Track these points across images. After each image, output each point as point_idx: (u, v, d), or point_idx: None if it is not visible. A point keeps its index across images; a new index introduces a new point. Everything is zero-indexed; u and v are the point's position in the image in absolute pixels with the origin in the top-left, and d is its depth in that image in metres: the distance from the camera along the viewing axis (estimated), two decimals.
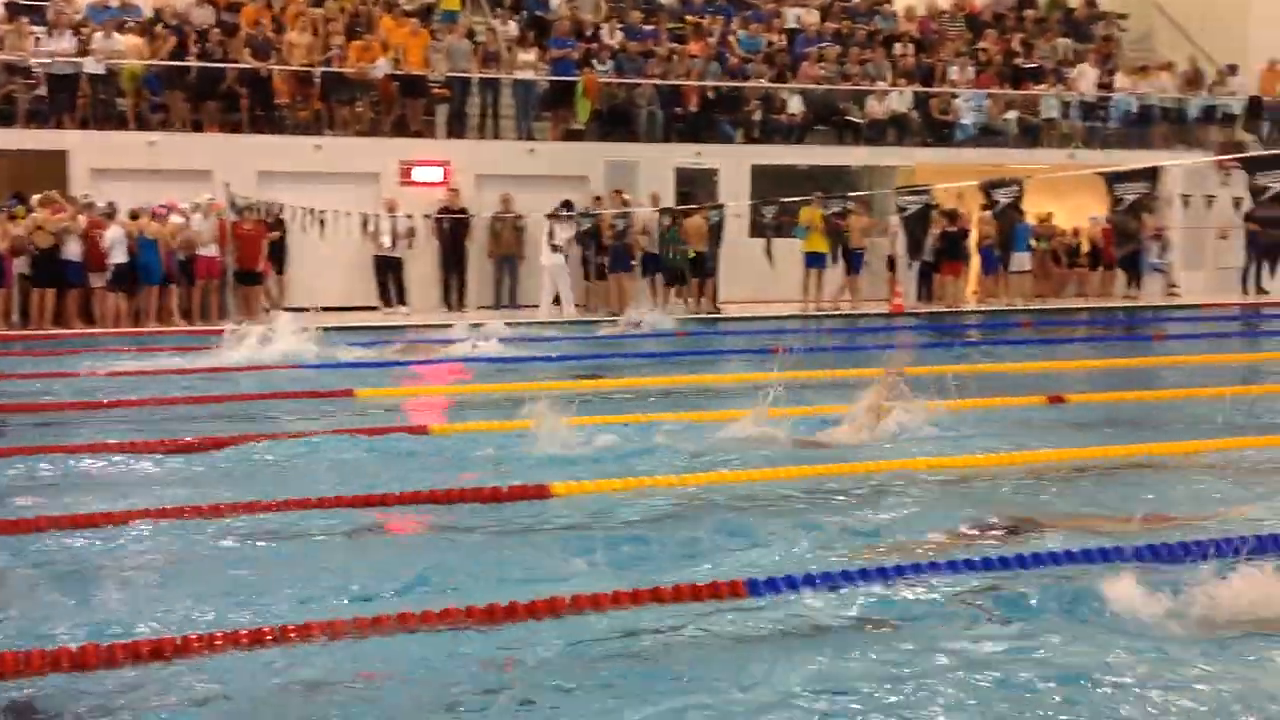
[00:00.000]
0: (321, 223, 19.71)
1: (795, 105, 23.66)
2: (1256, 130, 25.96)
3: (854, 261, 21.90)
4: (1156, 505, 7.48)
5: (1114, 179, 13.63)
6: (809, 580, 5.90)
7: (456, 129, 22.12)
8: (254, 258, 19.43)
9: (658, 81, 22.94)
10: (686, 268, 21.15)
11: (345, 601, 5.84)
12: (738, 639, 5.41)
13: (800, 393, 10.42)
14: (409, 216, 20.47)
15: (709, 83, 23.23)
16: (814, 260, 21.58)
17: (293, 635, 5.29)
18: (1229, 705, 4.69)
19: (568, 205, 20.93)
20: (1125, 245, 17.88)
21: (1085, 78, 25.61)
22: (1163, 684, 4.84)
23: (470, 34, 22.75)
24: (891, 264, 22.19)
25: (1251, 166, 11.82)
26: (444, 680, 5.04)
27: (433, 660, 5.19)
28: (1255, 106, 25.99)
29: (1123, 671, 4.94)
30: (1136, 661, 5.02)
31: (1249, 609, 5.38)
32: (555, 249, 20.54)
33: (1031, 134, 25.00)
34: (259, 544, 6.89)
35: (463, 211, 20.89)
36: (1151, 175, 13.69)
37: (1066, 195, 23.27)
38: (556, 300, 20.64)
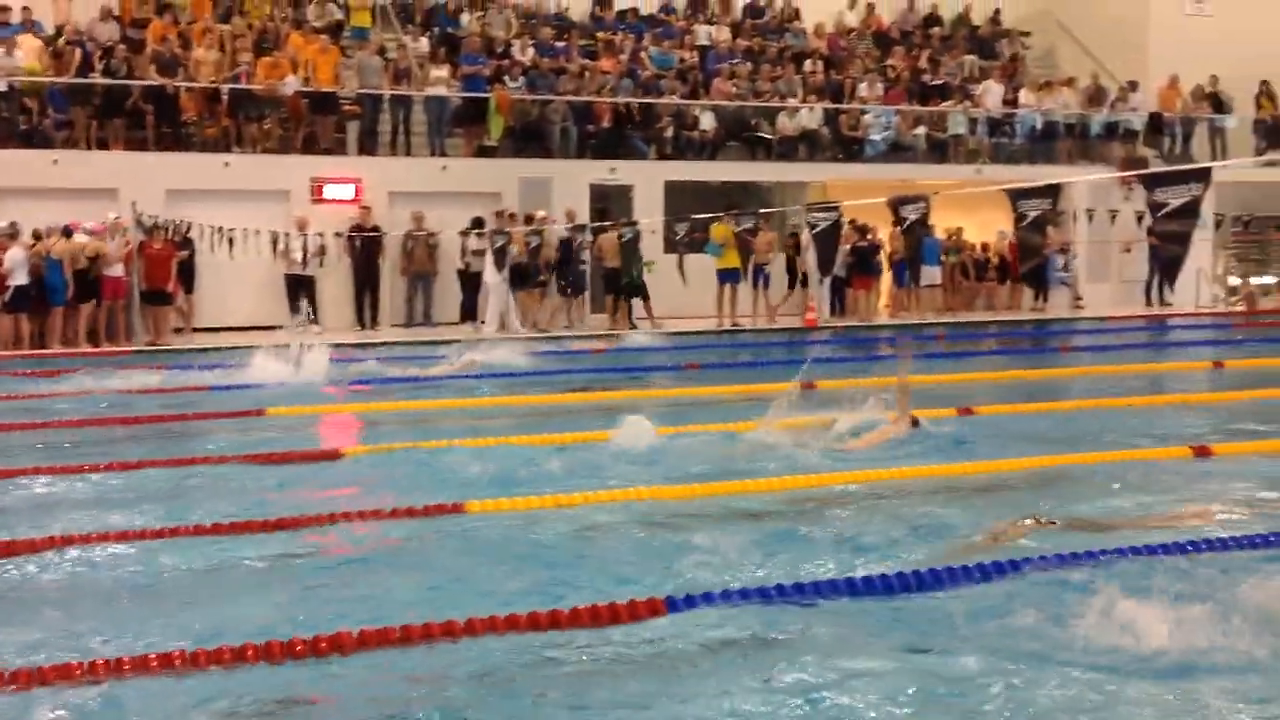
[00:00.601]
0: (230, 241, 19.42)
1: (707, 122, 23.81)
2: (1157, 145, 26.59)
3: (760, 277, 22.07)
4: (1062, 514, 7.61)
5: (1017, 195, 13.84)
6: (726, 596, 5.91)
7: (368, 146, 21.96)
8: (163, 278, 19.09)
9: (570, 98, 22.95)
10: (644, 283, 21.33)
11: (256, 626, 5.74)
12: (657, 658, 5.40)
13: (717, 409, 10.49)
14: (319, 235, 20.25)
15: (622, 99, 23.29)
16: (727, 276, 21.71)
17: (203, 660, 5.22)
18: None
19: (478, 222, 20.85)
20: (1029, 260, 18.21)
21: (991, 94, 26.06)
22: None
23: (381, 51, 22.62)
24: (805, 279, 22.38)
25: (1150, 182, 12.05)
26: (365, 703, 4.98)
27: (354, 683, 5.13)
28: (1156, 122, 26.62)
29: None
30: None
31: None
32: (499, 267, 20.48)
33: (939, 150, 25.39)
34: (164, 568, 6.77)
35: (375, 229, 20.72)
36: (1054, 191, 13.94)
37: (974, 210, 23.63)
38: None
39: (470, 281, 21.01)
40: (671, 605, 5.81)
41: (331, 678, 5.20)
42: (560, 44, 24.69)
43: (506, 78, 22.72)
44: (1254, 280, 25.30)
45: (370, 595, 6.36)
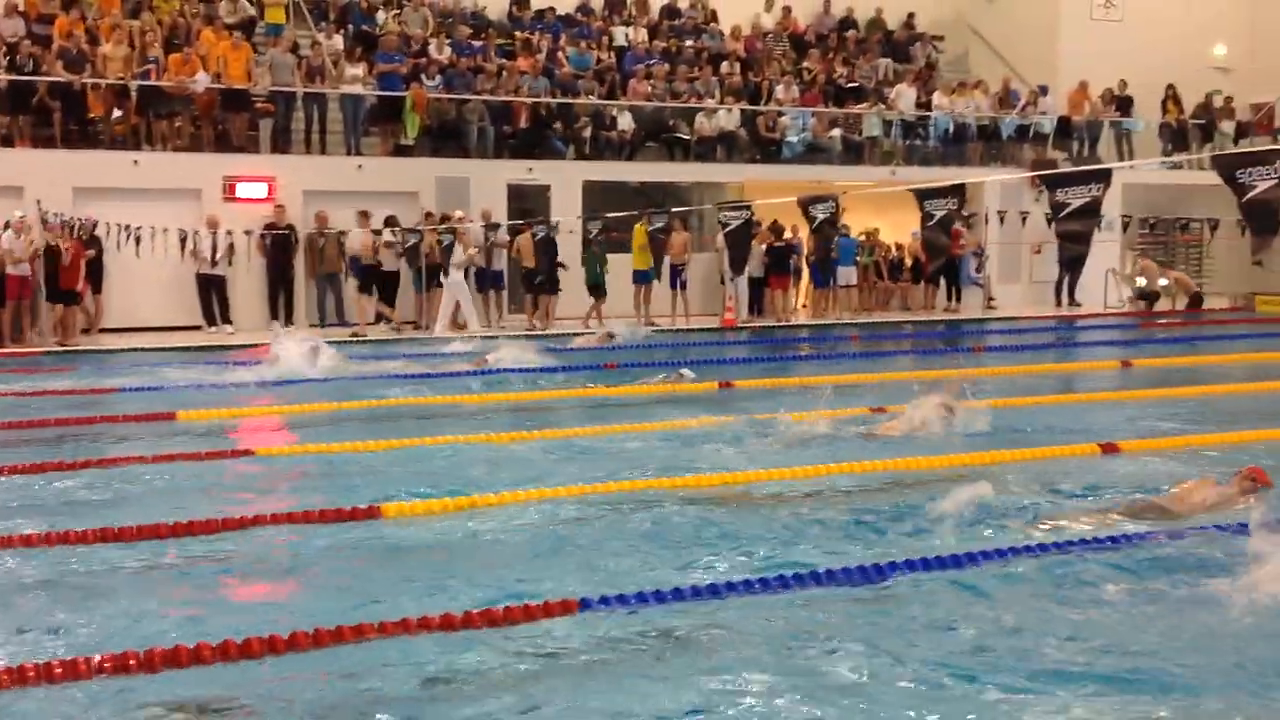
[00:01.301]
0: (138, 240, 19.08)
1: (625, 122, 23.83)
2: (1066, 148, 27.10)
3: (676, 278, 22.14)
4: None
5: (924, 195, 14.05)
6: (641, 597, 5.92)
7: (282, 144, 21.69)
8: (70, 277, 18.70)
9: (487, 97, 22.85)
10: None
11: (168, 630, 5.64)
12: (570, 656, 5.39)
13: (645, 408, 10.54)
14: (229, 234, 19.95)
15: (539, 99, 23.24)
16: (641, 276, 21.77)
17: (107, 666, 5.12)
18: None
19: (391, 221, 20.69)
20: (936, 259, 18.47)
21: (904, 97, 26.38)
22: None
23: (294, 48, 22.34)
24: (723, 279, 22.49)
25: (1053, 183, 12.29)
26: (277, 711, 4.92)
27: (263, 688, 5.06)
28: (1065, 125, 27.12)
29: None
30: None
31: None
32: (456, 266, 20.43)
33: (855, 151, 25.64)
34: (70, 574, 6.64)
35: (289, 228, 20.46)
36: (959, 192, 14.17)
37: (889, 211, 23.90)
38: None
39: (380, 280, 20.89)
40: (584, 605, 5.80)
41: (241, 684, 5.12)
42: (477, 43, 24.56)
43: (423, 76, 22.56)
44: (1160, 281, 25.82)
45: (282, 599, 6.30)
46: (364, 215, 20.56)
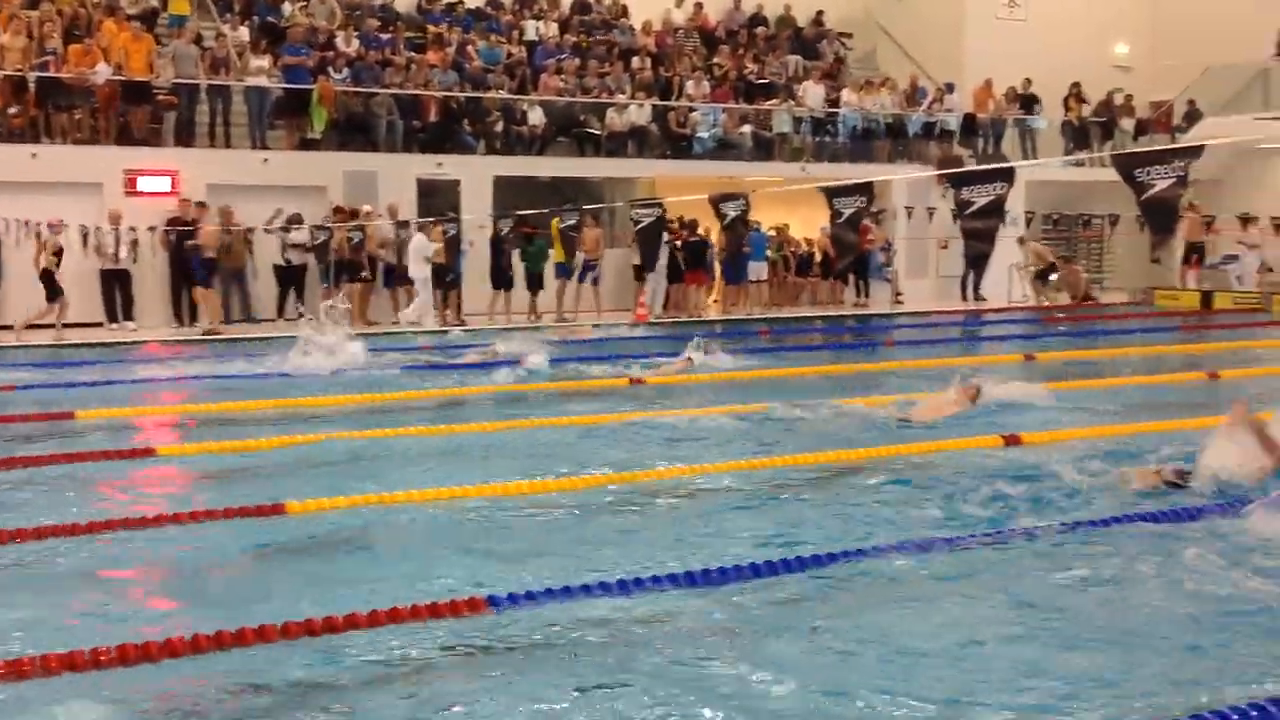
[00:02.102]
0: (38, 235, 18.63)
1: (536, 117, 23.75)
2: (972, 145, 27.50)
3: (588, 273, 22.13)
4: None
5: (833, 193, 14.18)
6: (550, 594, 5.90)
7: (185, 137, 21.28)
8: None
9: (396, 91, 22.65)
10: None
11: (66, 635, 5.52)
12: (483, 654, 5.36)
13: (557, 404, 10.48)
14: (132, 229, 19.56)
15: (448, 93, 23.07)
16: (558, 271, 21.77)
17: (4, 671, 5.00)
18: None
19: (296, 218, 20.44)
20: (845, 256, 18.68)
21: (813, 94, 26.59)
22: None
23: (198, 39, 21.95)
24: (636, 275, 22.51)
25: (958, 180, 12.46)
26: (183, 713, 4.83)
27: (168, 688, 4.98)
28: (970, 123, 27.52)
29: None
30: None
31: None
32: (426, 260, 20.41)
33: (765, 148, 25.79)
34: None
35: (194, 223, 20.10)
36: (868, 189, 14.34)
37: (799, 207, 24.09)
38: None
39: (290, 276, 20.63)
40: (493, 602, 5.77)
41: (145, 683, 5.02)
42: (385, 36, 24.32)
43: (330, 69, 22.29)
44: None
45: (184, 601, 6.19)
46: (201, 206, 20.25)
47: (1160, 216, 11.45)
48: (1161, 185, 10.71)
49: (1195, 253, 25.75)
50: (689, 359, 14.30)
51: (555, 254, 21.70)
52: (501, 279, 21.67)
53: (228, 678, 5.12)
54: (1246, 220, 25.34)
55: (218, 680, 5.09)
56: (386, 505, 7.79)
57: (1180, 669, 5.17)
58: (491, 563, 6.71)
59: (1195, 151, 11.04)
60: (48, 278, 18.48)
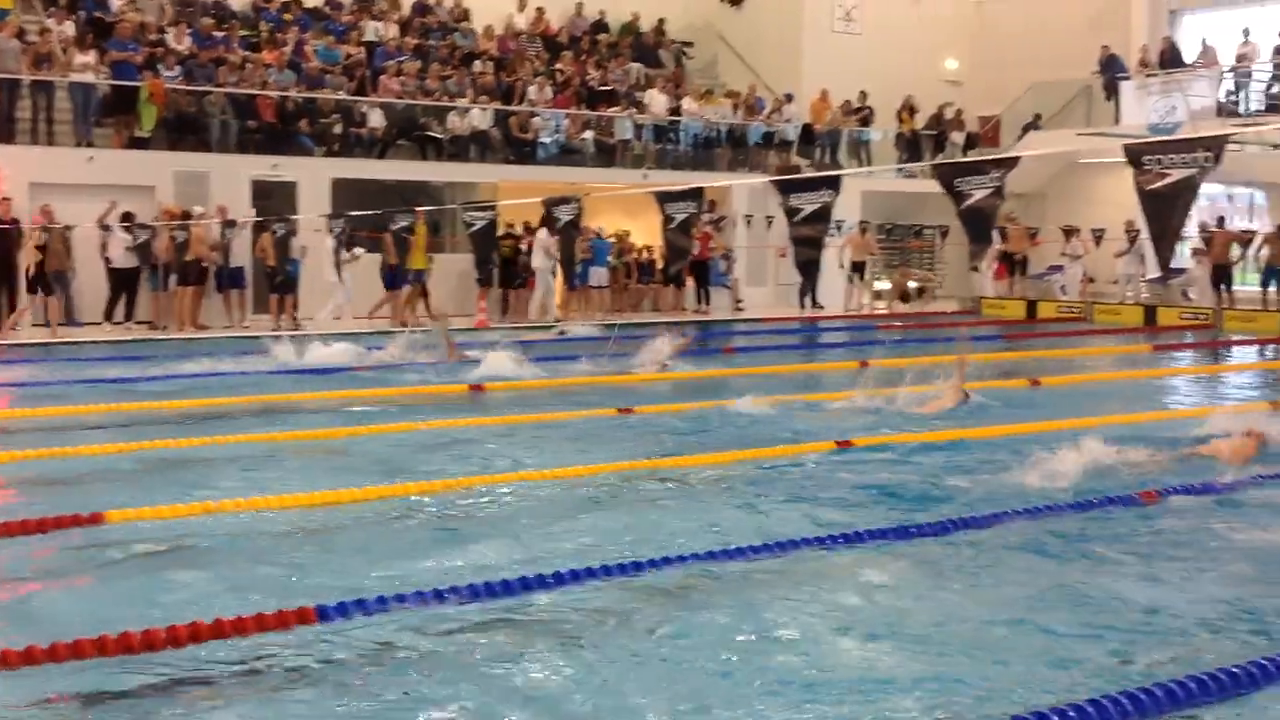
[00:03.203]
0: None
1: (376, 119, 23.42)
2: (809, 155, 28.01)
3: (412, 277, 21.85)
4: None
5: (665, 199, 14.32)
6: (381, 602, 5.79)
7: (5, 134, 20.43)
8: None
9: (230, 90, 22.11)
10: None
11: None
12: (307, 669, 5.24)
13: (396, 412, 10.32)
14: None
15: (284, 93, 22.60)
16: (414, 276, 21.55)
17: None
18: None
19: (126, 216, 19.80)
20: (677, 262, 18.86)
21: (655, 102, 26.78)
22: None
23: (20, 33, 21.10)
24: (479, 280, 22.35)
25: (787, 189, 12.69)
26: None
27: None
28: (808, 133, 28.03)
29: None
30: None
31: None
32: (344, 265, 20.49)
33: (607, 154, 25.88)
34: None
35: (14, 223, 19.31)
36: (699, 196, 14.52)
37: (641, 213, 24.21)
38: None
39: (123, 280, 19.97)
40: (322, 614, 5.64)
41: None
42: (219, 34, 23.72)
43: (160, 66, 21.65)
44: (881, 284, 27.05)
45: None
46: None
47: (977, 226, 11.82)
48: (979, 195, 11.05)
49: (1017, 264, 26.64)
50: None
51: (389, 258, 21.36)
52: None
53: (41, 694, 4.90)
54: (1070, 232, 26.30)
55: (21, 696, 4.87)
56: (212, 514, 7.57)
57: (1004, 672, 5.31)
58: (326, 571, 6.57)
59: (1011, 163, 11.42)
60: None
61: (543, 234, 22.04)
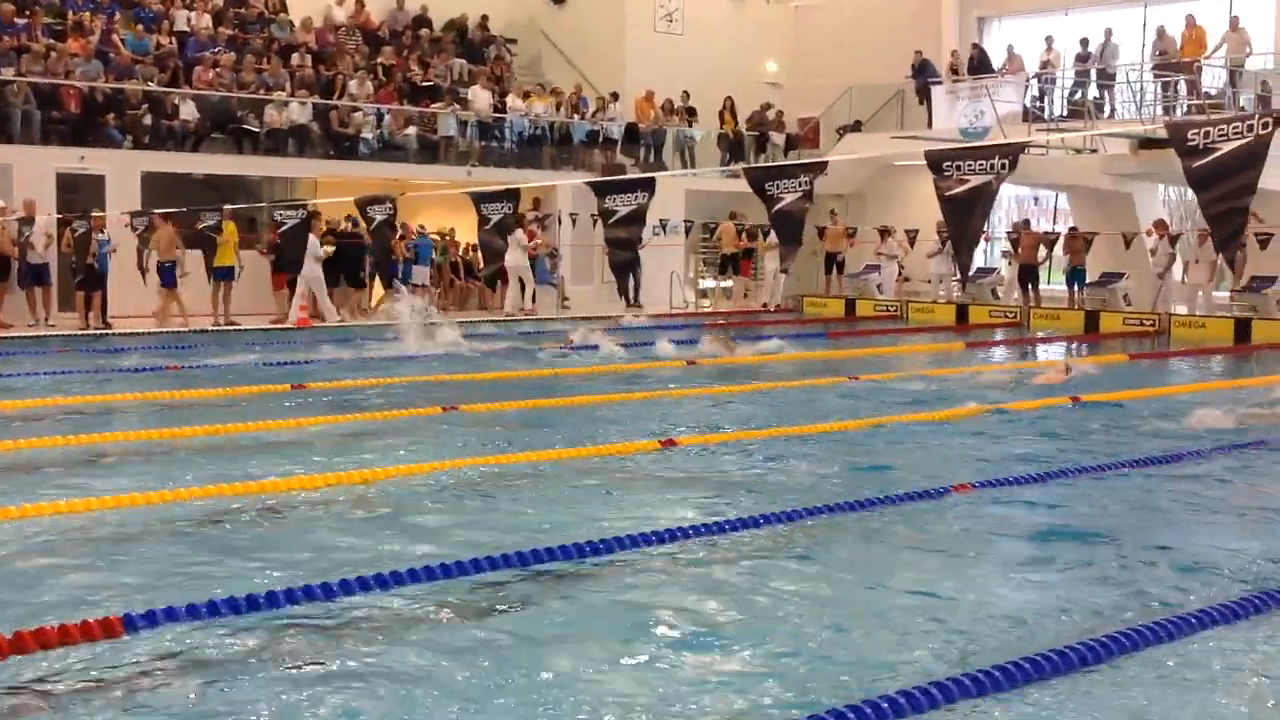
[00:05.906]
0: None
1: (189, 111, 22.73)
2: (634, 154, 28.17)
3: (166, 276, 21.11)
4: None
5: (481, 199, 14.27)
6: (192, 612, 5.61)
7: None
8: None
9: (34, 79, 21.19)
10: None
11: None
12: (114, 683, 5.05)
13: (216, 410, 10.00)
14: None
15: (91, 83, 21.76)
16: (223, 274, 20.91)
17: None
18: None
19: None
20: (492, 262, 18.80)
21: (479, 98, 26.60)
22: None
23: None
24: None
25: (602, 190, 12.78)
26: None
27: None
28: (632, 132, 28.18)
29: None
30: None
31: None
32: (314, 259, 20.41)
33: (431, 151, 25.60)
34: None
35: None
36: (514, 196, 14.53)
37: (464, 211, 23.88)
38: None
39: None
40: (129, 624, 5.43)
41: None
42: (21, 21, 22.71)
43: None
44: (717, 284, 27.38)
45: None
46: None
47: (788, 229, 12.07)
48: (790, 199, 11.29)
49: (837, 263, 27.28)
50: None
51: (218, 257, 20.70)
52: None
53: None
54: (885, 232, 27.00)
55: None
56: (14, 521, 7.24)
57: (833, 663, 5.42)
58: (133, 579, 6.34)
59: (819, 167, 11.69)
60: None
61: (518, 233, 22.00)
